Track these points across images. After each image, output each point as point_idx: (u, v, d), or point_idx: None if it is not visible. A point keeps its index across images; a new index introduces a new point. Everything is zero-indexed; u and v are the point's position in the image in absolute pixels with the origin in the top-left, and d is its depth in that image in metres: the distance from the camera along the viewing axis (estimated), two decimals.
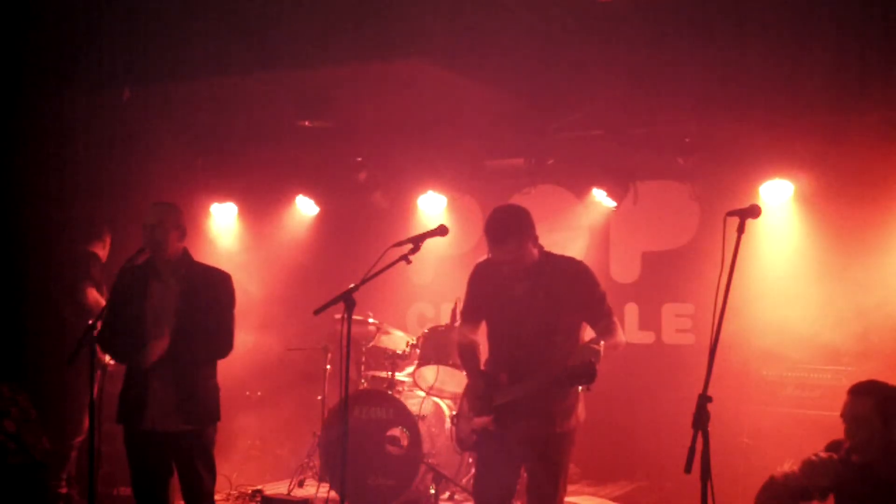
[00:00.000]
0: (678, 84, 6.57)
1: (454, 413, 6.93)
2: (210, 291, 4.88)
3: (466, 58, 6.50)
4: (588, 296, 4.51)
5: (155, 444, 4.80)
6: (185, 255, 4.94)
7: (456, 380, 6.71)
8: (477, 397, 4.60)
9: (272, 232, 8.87)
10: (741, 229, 3.64)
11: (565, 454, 4.55)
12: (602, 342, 4.23)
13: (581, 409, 4.57)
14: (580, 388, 4.34)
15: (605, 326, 4.46)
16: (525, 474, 4.67)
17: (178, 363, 4.76)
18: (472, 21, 6.15)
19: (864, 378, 4.16)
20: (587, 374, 4.11)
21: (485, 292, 4.69)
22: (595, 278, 4.58)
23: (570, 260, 4.61)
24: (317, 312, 4.54)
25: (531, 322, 4.46)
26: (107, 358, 6.30)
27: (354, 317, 4.53)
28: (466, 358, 4.77)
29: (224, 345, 4.93)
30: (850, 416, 3.95)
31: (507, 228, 4.42)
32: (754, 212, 3.68)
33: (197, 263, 4.98)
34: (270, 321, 8.09)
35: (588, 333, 4.54)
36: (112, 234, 7.08)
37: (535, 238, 4.51)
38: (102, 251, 7.02)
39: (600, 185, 7.52)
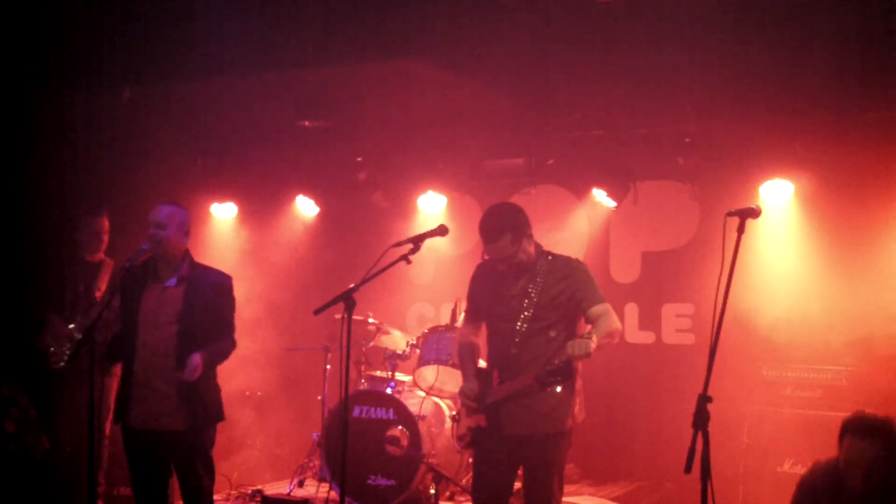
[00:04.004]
0: (678, 84, 6.58)
1: (454, 413, 6.95)
2: (211, 293, 4.88)
3: (466, 58, 6.50)
4: (579, 288, 4.49)
5: (154, 443, 4.80)
6: (187, 255, 4.94)
7: (456, 380, 6.71)
8: (468, 398, 4.61)
9: (272, 232, 8.87)
10: (741, 229, 3.64)
11: (561, 454, 4.56)
12: (594, 335, 4.24)
13: (578, 410, 4.57)
14: (558, 388, 4.32)
15: (598, 317, 4.43)
16: (522, 474, 4.67)
17: (180, 363, 4.75)
18: (471, 21, 6.16)
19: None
20: (564, 372, 4.20)
21: (484, 292, 4.71)
22: (588, 272, 4.59)
23: (567, 258, 4.62)
24: (317, 312, 4.55)
25: (525, 319, 4.47)
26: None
27: (354, 317, 4.52)
28: (464, 359, 4.81)
29: (226, 347, 4.94)
30: (859, 462, 3.85)
31: (501, 226, 4.43)
32: (754, 212, 3.68)
33: (198, 265, 4.98)
34: (270, 321, 8.09)
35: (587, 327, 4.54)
36: (109, 213, 6.90)
37: (530, 236, 4.52)
38: (98, 241, 6.83)
39: (600, 185, 7.51)
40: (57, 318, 6.34)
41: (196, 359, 4.67)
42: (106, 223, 6.73)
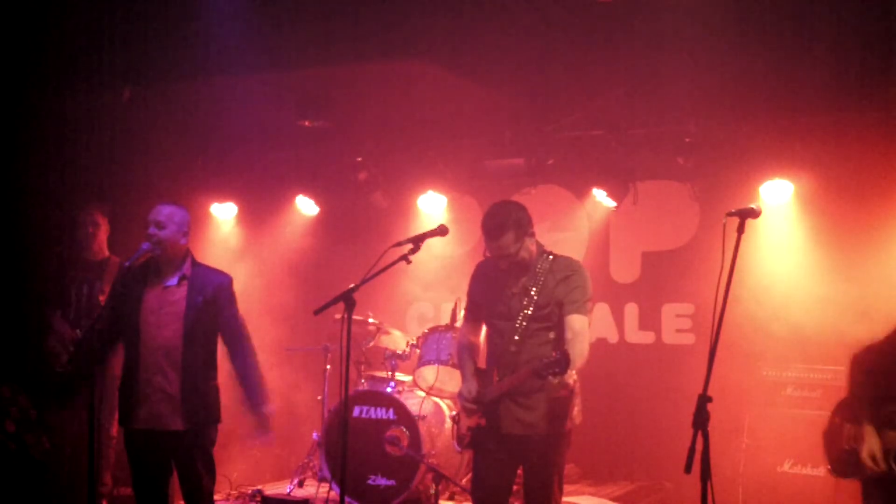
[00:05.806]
0: (678, 84, 6.58)
1: (454, 413, 6.96)
2: (212, 292, 4.87)
3: (466, 58, 6.51)
4: (572, 289, 4.45)
5: (155, 443, 4.79)
6: (188, 255, 4.94)
7: (456, 380, 6.70)
8: (467, 400, 4.61)
9: (272, 232, 8.87)
10: (741, 229, 3.65)
11: (560, 455, 4.55)
12: (573, 371, 4.20)
13: (577, 412, 4.56)
14: (555, 380, 4.27)
15: (573, 336, 4.35)
16: (522, 474, 4.67)
17: (182, 364, 4.76)
18: (472, 21, 6.16)
19: None
20: (561, 364, 4.13)
21: (484, 290, 4.70)
22: (587, 278, 4.53)
23: (569, 259, 4.61)
24: (317, 312, 4.55)
25: (525, 317, 4.46)
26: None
27: (354, 317, 4.52)
28: (462, 359, 4.79)
29: (252, 355, 4.97)
30: None
31: (504, 223, 4.42)
32: (754, 212, 3.68)
33: (199, 264, 4.98)
34: (270, 321, 8.09)
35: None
36: (109, 216, 6.83)
37: (533, 234, 4.51)
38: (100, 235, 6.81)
39: (600, 185, 7.51)
40: (61, 322, 6.34)
41: (267, 415, 4.95)
42: (97, 217, 6.65)
